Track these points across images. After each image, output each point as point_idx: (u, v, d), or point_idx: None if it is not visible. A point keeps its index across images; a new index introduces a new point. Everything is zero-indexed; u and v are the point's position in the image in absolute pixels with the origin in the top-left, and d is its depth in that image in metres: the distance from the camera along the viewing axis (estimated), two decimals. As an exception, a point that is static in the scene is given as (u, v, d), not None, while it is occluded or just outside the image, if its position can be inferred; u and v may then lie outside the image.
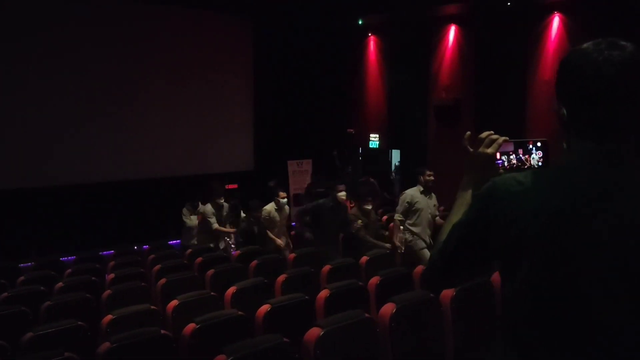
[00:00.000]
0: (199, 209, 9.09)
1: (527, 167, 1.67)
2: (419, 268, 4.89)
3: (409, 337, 3.32)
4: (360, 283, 4.48)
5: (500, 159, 1.70)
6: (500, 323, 1.43)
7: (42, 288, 5.69)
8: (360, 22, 13.29)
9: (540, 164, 1.66)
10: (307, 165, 13.16)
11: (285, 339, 2.97)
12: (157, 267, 6.55)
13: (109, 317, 4.19)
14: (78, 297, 5.07)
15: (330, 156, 12.94)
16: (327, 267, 5.44)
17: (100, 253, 9.27)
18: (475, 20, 11.31)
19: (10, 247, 9.38)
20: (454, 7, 11.38)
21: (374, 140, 13.59)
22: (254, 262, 6.08)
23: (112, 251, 9.05)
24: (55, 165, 10.72)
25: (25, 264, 8.57)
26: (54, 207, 10.58)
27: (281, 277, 5.13)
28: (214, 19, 12.82)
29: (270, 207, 8.36)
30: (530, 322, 1.32)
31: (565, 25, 9.96)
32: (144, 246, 9.74)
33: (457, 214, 1.62)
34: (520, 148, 1.74)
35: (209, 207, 8.51)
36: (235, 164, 13.35)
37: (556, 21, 10.07)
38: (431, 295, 3.55)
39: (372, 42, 13.68)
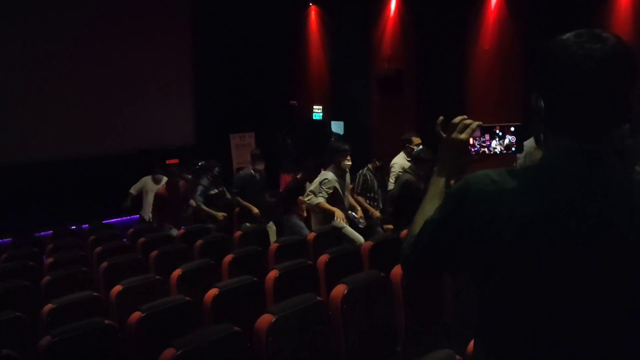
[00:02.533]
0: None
1: (500, 152, 1.61)
2: (367, 244, 4.87)
3: (361, 319, 3.30)
4: (309, 262, 4.43)
5: (474, 145, 1.65)
6: (476, 329, 1.39)
7: (-27, 276, 5.43)
8: (301, -8, 13.09)
9: (514, 149, 1.61)
10: (249, 138, 13.00)
11: (236, 328, 2.90)
12: (99, 249, 6.35)
13: (49, 306, 4.01)
14: (15, 285, 4.84)
15: (272, 131, 12.85)
16: (274, 246, 5.37)
17: (38, 234, 8.94)
18: (416, -10, 11.28)
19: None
20: (395, -23, 11.34)
21: (318, 112, 13.50)
22: (199, 242, 5.95)
23: (50, 232, 8.74)
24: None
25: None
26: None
27: (228, 258, 5.03)
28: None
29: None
30: (505, 331, 1.28)
31: (505, -5, 10.03)
32: (84, 225, 9.47)
33: (430, 203, 1.57)
34: (486, 133, 1.68)
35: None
36: (176, 138, 13.04)
37: (496, -9, 10.13)
38: (381, 274, 3.54)
39: (313, 12, 13.51)
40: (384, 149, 11.70)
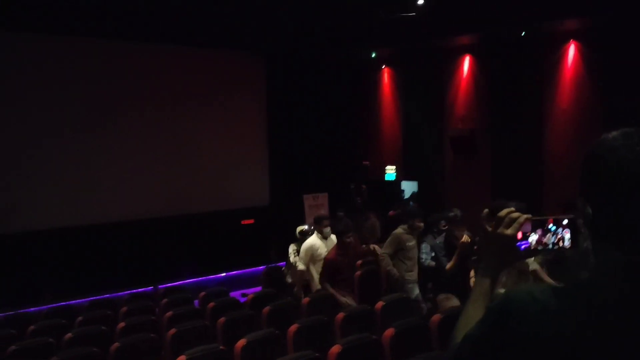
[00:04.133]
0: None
1: (558, 247, 1.48)
2: (436, 317, 4.68)
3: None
4: (374, 336, 4.29)
5: (523, 240, 1.53)
6: None
7: (50, 340, 5.58)
8: (373, 55, 13.24)
9: (569, 243, 1.49)
10: (322, 199, 13.00)
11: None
12: (169, 313, 6.42)
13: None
14: (85, 353, 4.94)
15: (348, 190, 12.85)
16: (340, 315, 5.26)
17: (115, 294, 9.19)
18: (489, 50, 11.20)
19: (24, 291, 9.33)
20: (468, 38, 11.31)
21: (390, 172, 13.44)
22: (267, 309, 5.92)
23: (128, 291, 8.98)
24: (70, 205, 10.72)
25: (39, 307, 8.51)
26: (67, 248, 10.52)
27: (293, 328, 4.96)
28: (227, 55, 12.85)
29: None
30: None
31: (582, 52, 9.80)
32: (160, 285, 9.65)
33: (474, 305, 1.47)
34: (539, 228, 1.56)
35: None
36: (251, 199, 13.24)
37: (572, 49, 9.91)
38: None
39: (386, 74, 13.62)
40: (458, 207, 11.45)
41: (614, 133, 1.20)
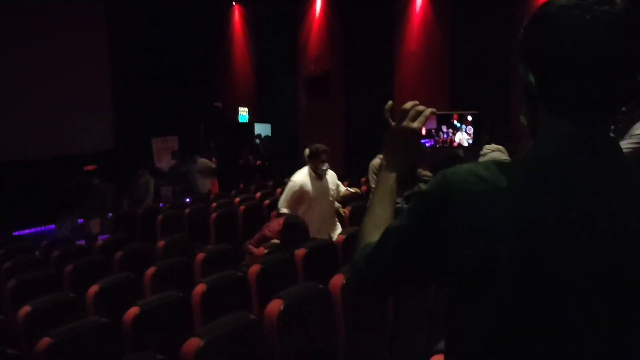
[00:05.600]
0: None
1: (456, 146, 1.43)
2: (300, 252, 4.60)
3: (299, 336, 3.04)
4: (240, 273, 4.13)
5: (426, 137, 1.43)
6: (448, 349, 1.13)
7: None
8: (224, -9, 12.74)
9: (470, 142, 1.40)
10: (172, 142, 12.54)
11: (158, 356, 2.58)
12: (7, 264, 5.82)
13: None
14: None
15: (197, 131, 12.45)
16: (201, 255, 5.03)
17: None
18: (342, -10, 11.16)
19: None
20: (321, -24, 11.18)
21: (243, 114, 13.19)
22: (119, 253, 5.54)
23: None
24: None
25: None
26: None
27: (150, 270, 4.65)
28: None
29: None
30: (494, 356, 1.02)
31: (430, -4, 10.04)
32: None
33: (380, 204, 1.33)
34: (443, 124, 1.47)
35: None
36: (94, 143, 12.41)
37: (421, -8, 10.12)
38: (320, 286, 3.28)
39: (236, 12, 13.19)
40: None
41: None
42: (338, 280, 3.37)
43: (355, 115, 11.03)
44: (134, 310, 3.45)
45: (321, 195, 5.83)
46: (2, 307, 4.80)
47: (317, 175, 5.77)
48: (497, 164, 1.05)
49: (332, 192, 6.00)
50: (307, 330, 3.12)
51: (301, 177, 5.78)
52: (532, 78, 1.06)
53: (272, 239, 5.16)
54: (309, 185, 5.73)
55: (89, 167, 11.92)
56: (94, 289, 4.24)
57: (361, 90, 10.93)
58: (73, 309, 4.05)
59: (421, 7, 10.09)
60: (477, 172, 1.04)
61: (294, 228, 4.97)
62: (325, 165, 5.80)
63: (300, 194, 5.70)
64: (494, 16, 8.69)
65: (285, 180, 7.01)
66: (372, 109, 10.76)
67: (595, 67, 0.99)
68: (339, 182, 6.55)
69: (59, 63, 11.90)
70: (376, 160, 6.50)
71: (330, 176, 6.02)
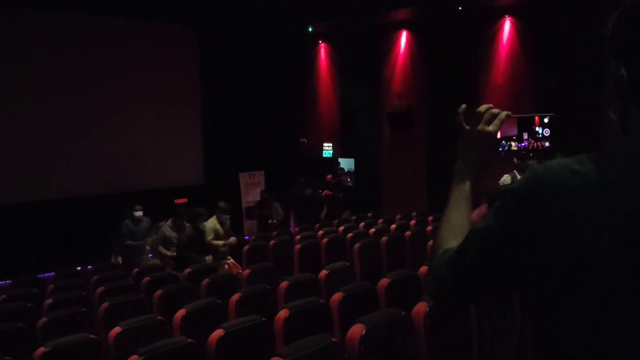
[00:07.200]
0: None
1: (540, 148, 1.40)
2: (384, 281, 4.56)
3: (380, 362, 3.00)
4: (322, 300, 4.13)
5: (501, 142, 1.39)
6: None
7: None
8: (310, 30, 13.04)
9: (547, 145, 1.37)
10: (259, 176, 12.79)
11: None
12: (101, 289, 6.07)
13: (42, 349, 3.73)
14: (10, 327, 4.57)
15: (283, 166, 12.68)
16: (284, 284, 5.08)
17: (40, 276, 8.67)
18: (426, 25, 11.20)
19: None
20: (405, 13, 11.27)
21: (328, 149, 13.32)
22: (206, 281, 5.67)
23: (53, 273, 8.48)
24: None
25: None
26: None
27: (235, 297, 4.73)
28: (159, 29, 12.38)
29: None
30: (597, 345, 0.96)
31: (517, 28, 9.90)
32: (89, 266, 9.18)
33: (456, 210, 1.31)
34: (525, 130, 1.43)
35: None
36: (184, 177, 12.85)
37: (507, 25, 10.01)
38: (402, 312, 3.23)
39: (322, 50, 13.45)
40: (394, 184, 11.49)
41: None
42: (421, 307, 3.31)
43: (437, 149, 10.92)
44: (218, 332, 3.52)
45: None
46: (94, 329, 4.99)
47: None
48: (590, 158, 1.01)
49: None
50: (388, 356, 3.07)
51: None
52: (623, 72, 1.03)
53: None
54: None
55: (180, 200, 12.35)
56: (181, 312, 4.36)
57: (444, 125, 10.83)
58: (160, 331, 4.17)
59: (508, 39, 9.97)
60: (570, 166, 1.00)
61: None
62: None
63: None
64: (581, 47, 8.46)
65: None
66: (455, 144, 10.65)
67: None
68: None
69: (153, 97, 12.43)
70: None
71: None
